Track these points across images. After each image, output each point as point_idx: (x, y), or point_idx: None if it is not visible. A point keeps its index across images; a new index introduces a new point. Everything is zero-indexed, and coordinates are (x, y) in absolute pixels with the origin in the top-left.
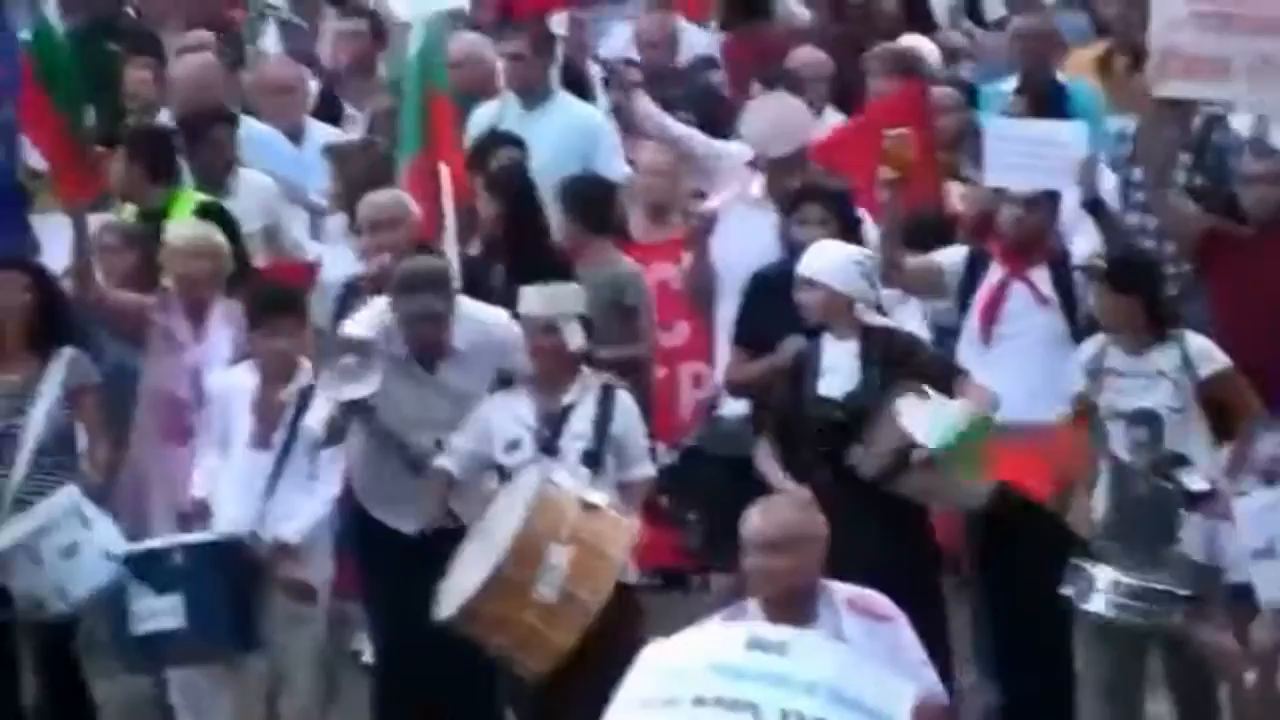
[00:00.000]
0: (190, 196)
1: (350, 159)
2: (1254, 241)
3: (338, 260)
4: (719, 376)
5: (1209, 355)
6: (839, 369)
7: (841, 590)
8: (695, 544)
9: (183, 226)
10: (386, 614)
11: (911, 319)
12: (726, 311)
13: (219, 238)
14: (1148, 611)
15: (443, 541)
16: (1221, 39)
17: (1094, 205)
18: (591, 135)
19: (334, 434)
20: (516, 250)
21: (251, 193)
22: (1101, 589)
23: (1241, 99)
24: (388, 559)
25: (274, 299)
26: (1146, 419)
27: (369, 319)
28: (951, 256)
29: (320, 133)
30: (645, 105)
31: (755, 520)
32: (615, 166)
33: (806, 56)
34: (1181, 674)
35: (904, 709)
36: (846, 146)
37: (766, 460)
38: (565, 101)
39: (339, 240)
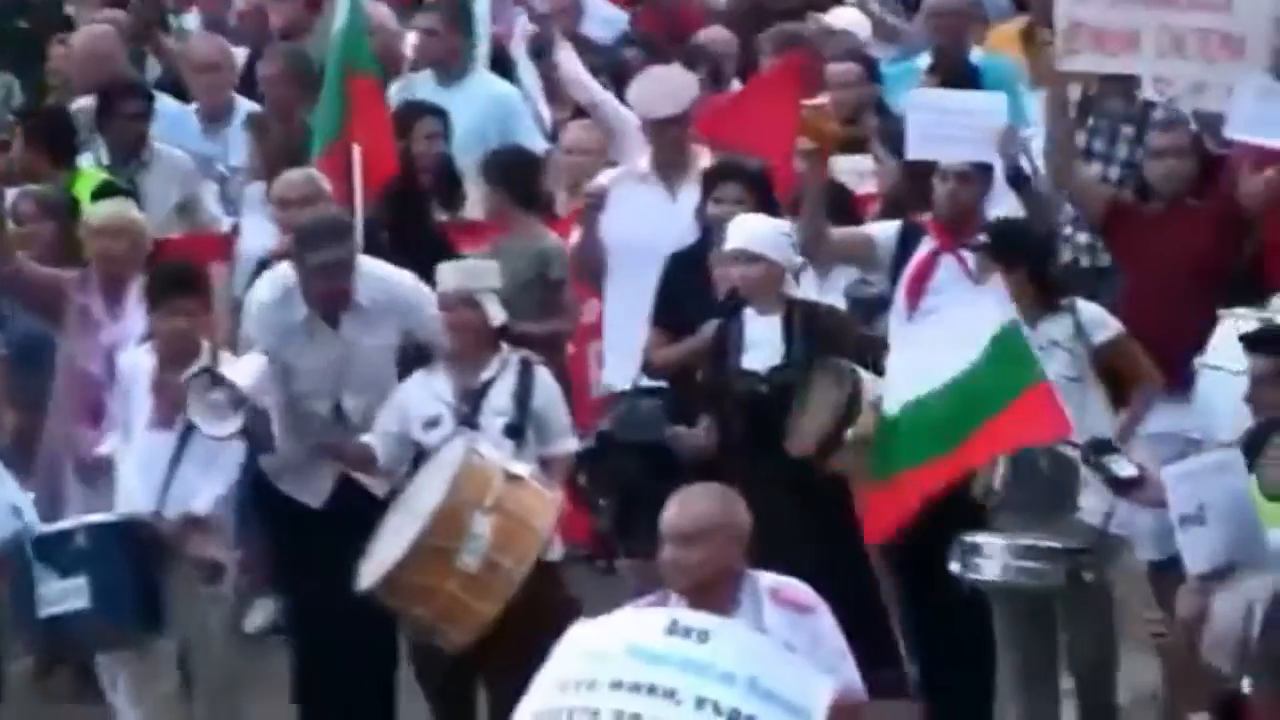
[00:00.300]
0: (93, 176)
1: (269, 130)
2: (1160, 215)
3: (255, 230)
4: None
5: (1102, 323)
6: (763, 343)
7: (765, 580)
8: (604, 529)
9: (101, 205)
10: (296, 588)
11: (835, 293)
12: (613, 289)
13: (137, 216)
14: (1038, 571)
15: (351, 514)
16: (1129, 12)
17: (1016, 177)
18: (509, 111)
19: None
20: (398, 228)
21: (167, 167)
22: (989, 555)
23: (1148, 72)
24: (295, 531)
25: (171, 279)
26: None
27: (248, 369)
28: (885, 230)
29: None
30: (569, 59)
31: (670, 511)
32: (534, 143)
33: (715, 32)
34: (1079, 648)
35: (821, 703)
36: (725, 119)
37: (691, 435)
38: (483, 78)
39: (256, 210)
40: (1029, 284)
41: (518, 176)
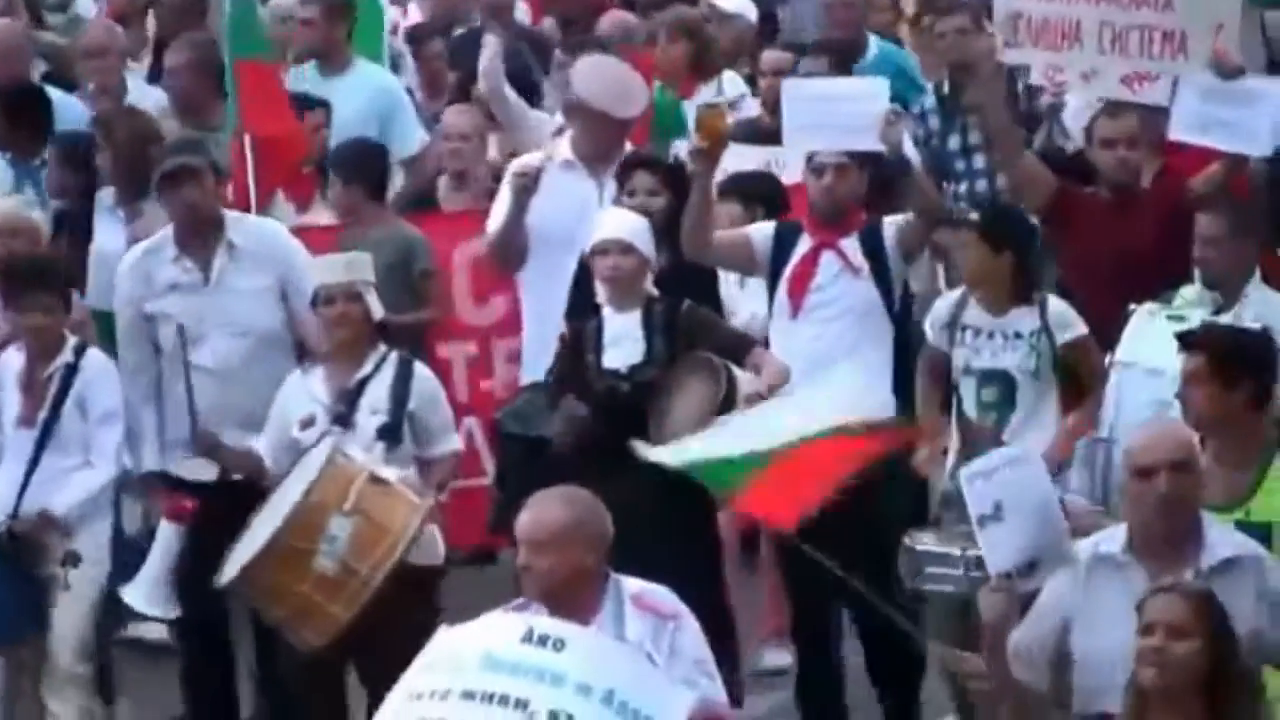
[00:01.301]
0: None
1: (115, 126)
2: (1107, 204)
3: (106, 234)
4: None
5: (1068, 322)
6: (624, 341)
7: (630, 585)
8: (493, 522)
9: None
10: (185, 578)
11: (756, 298)
12: (533, 274)
13: (34, 215)
14: (975, 580)
15: (237, 507)
16: (1070, 6)
17: (900, 164)
18: (392, 103)
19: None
20: None
21: None
22: (948, 565)
23: (1087, 63)
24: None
25: (24, 275)
26: (999, 379)
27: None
28: (762, 230)
29: (142, 94)
30: (492, 60)
31: (523, 517)
32: (413, 135)
33: (614, 19)
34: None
35: (679, 717)
36: None
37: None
38: (366, 69)
39: (106, 214)
40: (1010, 270)
41: (369, 170)
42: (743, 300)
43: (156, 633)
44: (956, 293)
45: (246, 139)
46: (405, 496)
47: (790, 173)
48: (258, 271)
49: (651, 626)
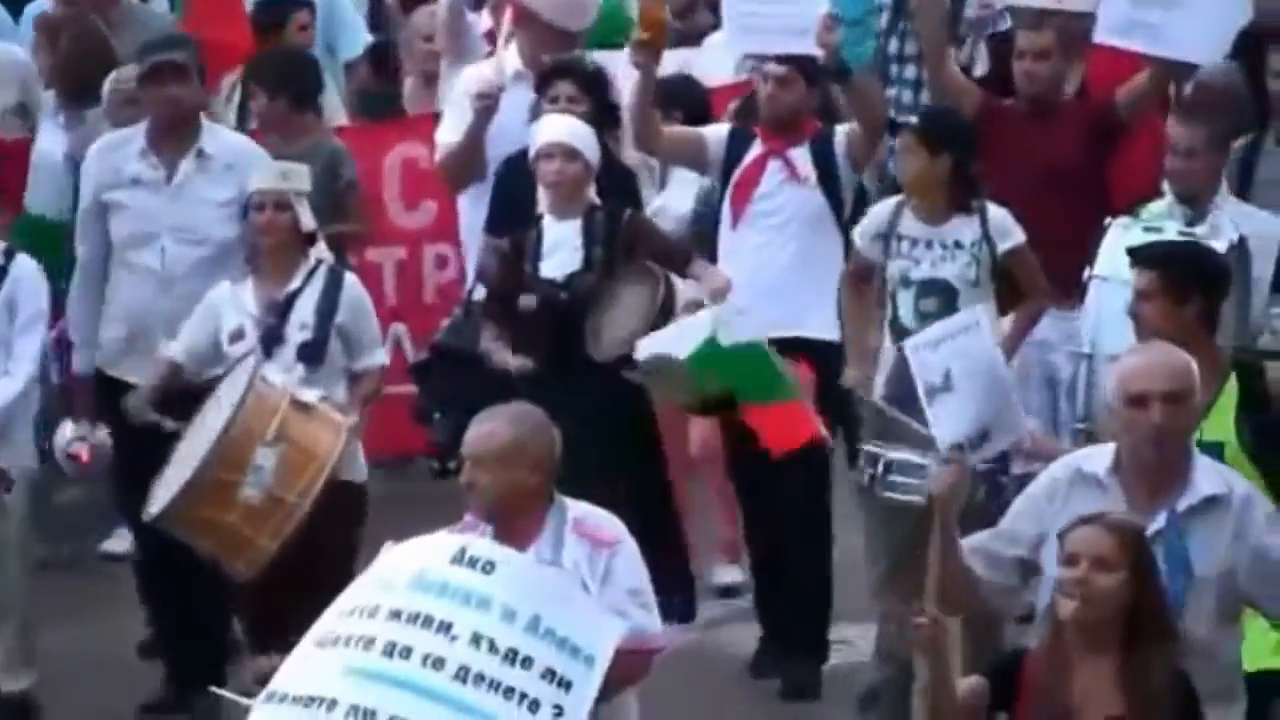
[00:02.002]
0: None
1: (62, 31)
2: (1026, 116)
3: (49, 138)
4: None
5: (1007, 230)
6: (562, 249)
7: (574, 509)
8: (439, 440)
9: None
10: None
11: (683, 199)
12: (479, 191)
13: None
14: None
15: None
16: None
17: (839, 71)
18: (328, 8)
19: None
20: None
21: (3, 67)
22: (902, 472)
23: None
24: (139, 450)
25: None
26: (939, 289)
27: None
28: (717, 131)
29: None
30: None
31: (469, 434)
32: (356, 38)
33: None
34: None
35: (606, 647)
36: None
37: (493, 345)
38: None
39: (49, 119)
40: (949, 174)
41: (293, 81)
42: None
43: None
44: (891, 201)
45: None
46: (329, 419)
47: (709, 75)
48: (222, 183)
49: (588, 552)
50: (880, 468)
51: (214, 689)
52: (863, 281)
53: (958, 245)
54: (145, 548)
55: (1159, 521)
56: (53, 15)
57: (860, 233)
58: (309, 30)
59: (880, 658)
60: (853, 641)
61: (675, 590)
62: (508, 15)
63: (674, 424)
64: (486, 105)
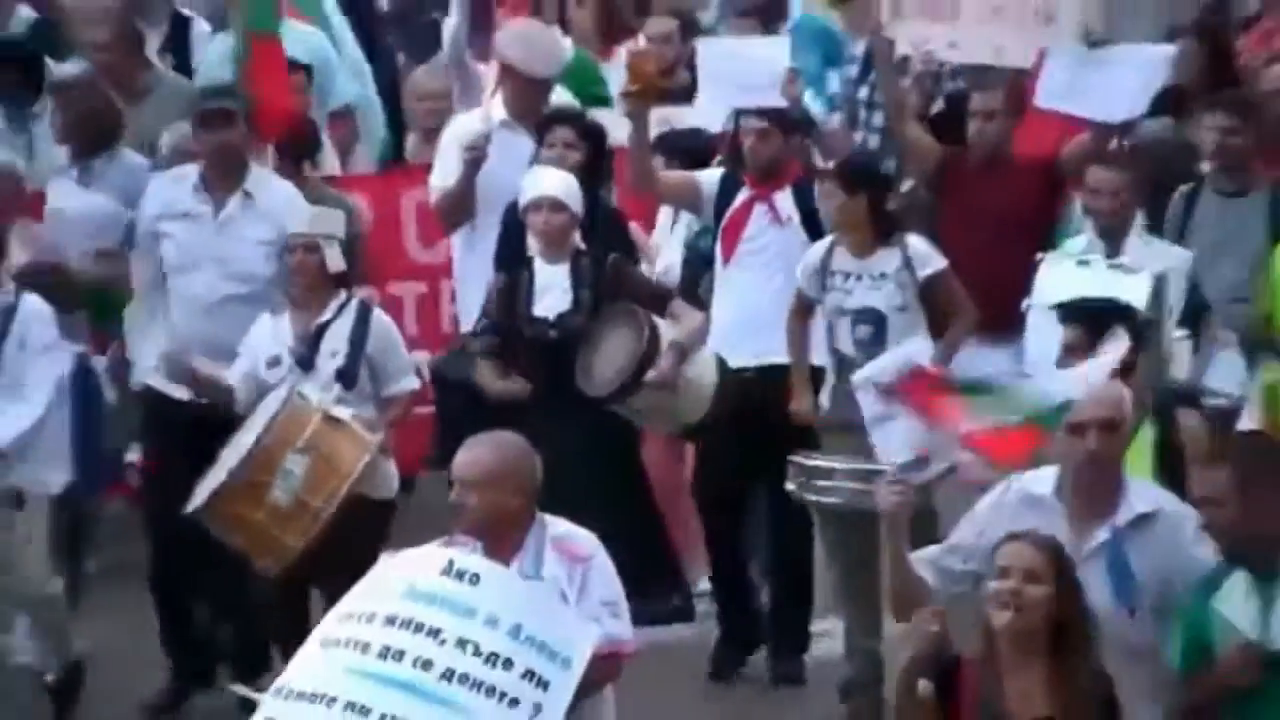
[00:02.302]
0: None
1: (76, 93)
2: (978, 166)
3: (62, 191)
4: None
5: (928, 257)
6: (552, 290)
7: (553, 527)
8: (437, 463)
9: None
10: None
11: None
12: (473, 232)
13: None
14: (862, 492)
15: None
16: None
17: (804, 120)
18: (321, 62)
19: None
20: None
21: None
22: (830, 478)
23: (968, 39)
24: (170, 462)
25: None
26: (871, 317)
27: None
28: (710, 177)
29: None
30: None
31: (457, 457)
32: (348, 91)
33: None
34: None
35: (583, 652)
36: None
37: (486, 377)
38: (292, 29)
39: (62, 173)
40: (867, 212)
41: (294, 141)
42: (665, 251)
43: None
44: (825, 241)
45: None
46: (357, 435)
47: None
48: (263, 224)
49: (566, 567)
50: (804, 476)
51: (232, 685)
52: (805, 316)
53: (883, 275)
54: (157, 559)
55: (1101, 536)
56: (65, 78)
57: (800, 272)
58: (305, 94)
59: (849, 654)
60: (832, 633)
61: (670, 592)
62: (494, 69)
63: (671, 446)
64: (474, 156)
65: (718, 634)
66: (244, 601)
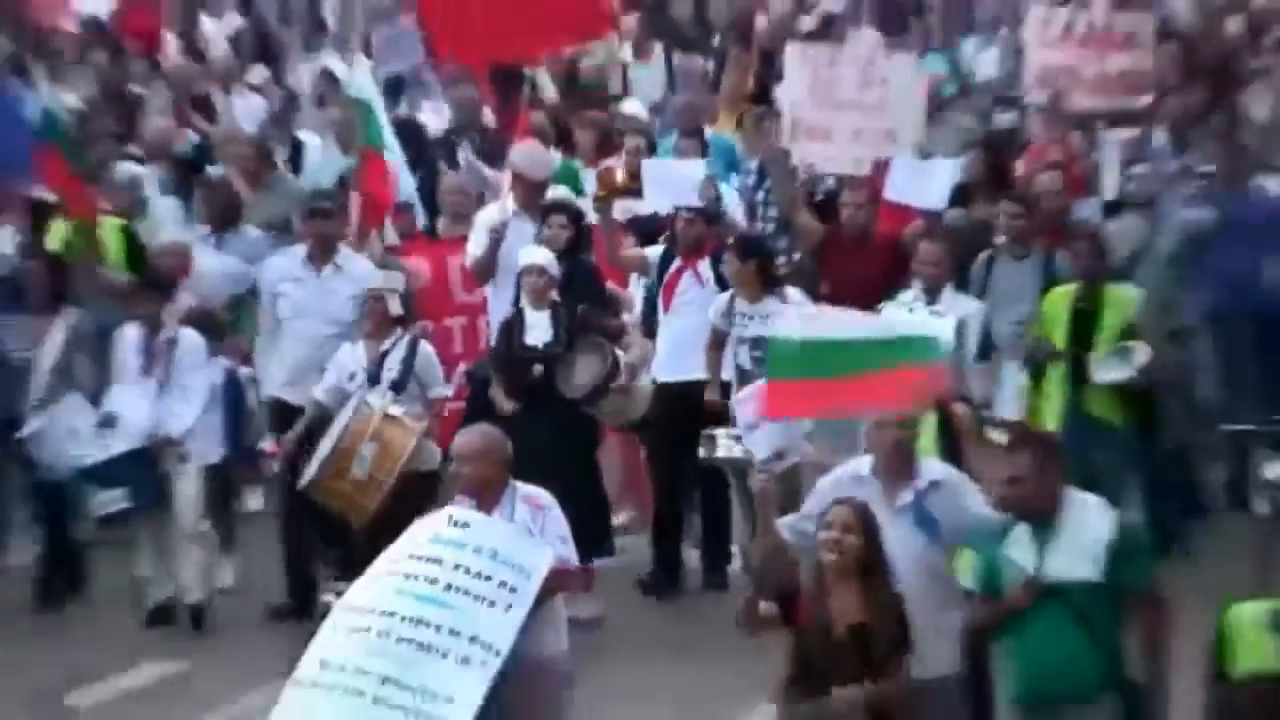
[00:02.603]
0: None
1: (217, 191)
2: (849, 241)
3: (203, 255)
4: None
5: (800, 301)
6: (538, 327)
7: (522, 489)
8: None
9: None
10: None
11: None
12: (494, 290)
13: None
14: (735, 448)
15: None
16: (830, 115)
17: (717, 214)
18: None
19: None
20: None
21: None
22: (719, 443)
23: (838, 155)
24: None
25: (145, 282)
26: (760, 344)
27: None
28: (654, 251)
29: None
30: (468, 158)
31: (455, 441)
32: (407, 190)
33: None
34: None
35: (541, 565)
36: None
37: (495, 391)
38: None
39: (204, 242)
40: (756, 273)
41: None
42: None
43: (255, 504)
44: (729, 292)
45: (355, 197)
46: (407, 426)
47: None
48: (349, 285)
49: (531, 513)
50: (702, 445)
51: (324, 597)
52: (718, 345)
53: (768, 315)
54: (284, 512)
55: (907, 498)
56: (209, 178)
57: (712, 313)
58: None
59: (745, 569)
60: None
61: (603, 537)
62: (508, 175)
63: (629, 435)
64: (495, 236)
65: (651, 565)
66: (346, 539)
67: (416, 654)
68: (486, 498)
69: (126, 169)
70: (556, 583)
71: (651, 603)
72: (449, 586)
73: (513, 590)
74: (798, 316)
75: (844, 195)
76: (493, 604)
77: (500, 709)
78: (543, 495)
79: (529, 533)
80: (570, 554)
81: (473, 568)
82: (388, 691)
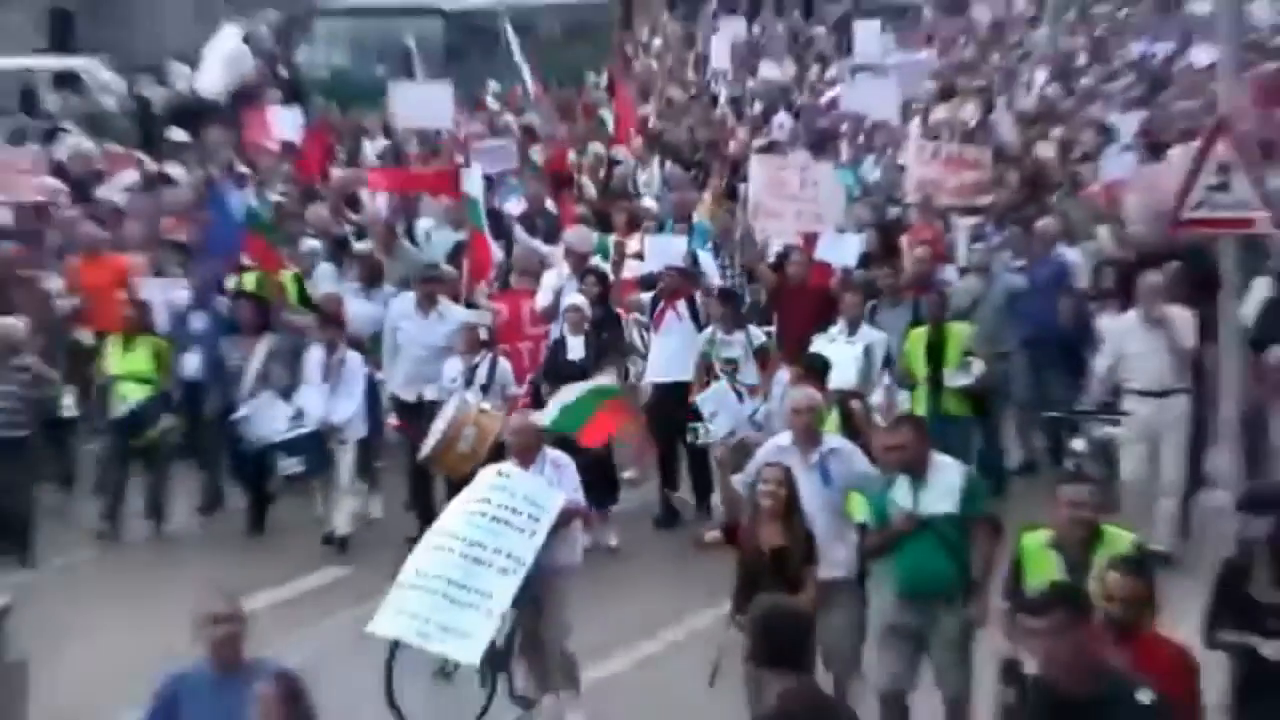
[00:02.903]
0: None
1: (364, 258)
2: (794, 289)
3: (353, 305)
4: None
5: (756, 335)
6: (576, 349)
7: (551, 454)
8: None
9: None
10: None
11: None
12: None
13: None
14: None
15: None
16: (780, 202)
17: (694, 272)
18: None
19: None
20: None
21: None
22: (702, 433)
23: (783, 227)
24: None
25: (323, 319)
26: (731, 361)
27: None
28: (648, 295)
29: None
30: (522, 236)
31: (507, 424)
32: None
33: (584, 210)
34: None
35: (555, 505)
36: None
37: (547, 392)
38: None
39: (353, 291)
40: (731, 310)
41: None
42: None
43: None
44: (713, 326)
45: (465, 263)
46: (495, 416)
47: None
48: (443, 326)
49: (555, 470)
50: (689, 430)
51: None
52: (705, 367)
53: (738, 342)
54: (411, 470)
55: (815, 459)
56: (358, 250)
57: (700, 341)
58: None
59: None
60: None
61: (612, 490)
62: (561, 249)
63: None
64: (556, 295)
65: (660, 507)
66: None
67: (472, 565)
68: (526, 459)
69: (305, 242)
70: (568, 517)
71: (661, 534)
72: (494, 519)
73: (535, 521)
74: (555, 402)
75: (790, 256)
76: (521, 530)
77: (531, 599)
78: (563, 458)
79: (550, 484)
80: (579, 499)
81: (510, 505)
82: (454, 591)
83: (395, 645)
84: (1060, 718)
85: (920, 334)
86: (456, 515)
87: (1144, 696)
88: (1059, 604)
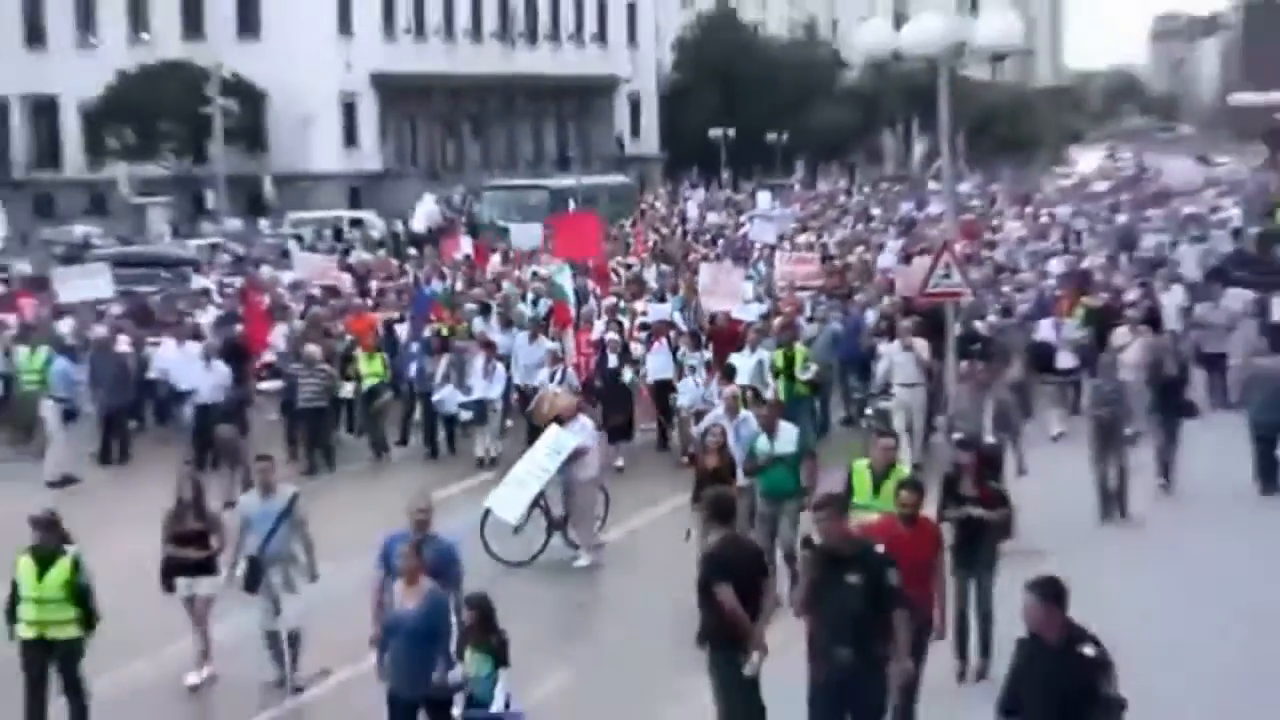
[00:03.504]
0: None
1: (505, 306)
2: (725, 334)
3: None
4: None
5: (705, 354)
6: (612, 361)
7: (582, 418)
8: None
9: None
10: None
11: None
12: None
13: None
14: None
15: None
16: (732, 280)
17: (673, 322)
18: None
19: None
20: None
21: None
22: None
23: (718, 301)
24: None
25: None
26: (694, 368)
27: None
28: (644, 334)
29: None
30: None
31: (554, 400)
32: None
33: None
34: None
35: (570, 446)
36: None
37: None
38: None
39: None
40: (691, 341)
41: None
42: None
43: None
44: (682, 349)
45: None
46: (562, 396)
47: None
48: (539, 350)
49: (579, 430)
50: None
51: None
52: (678, 370)
53: (697, 358)
54: (529, 425)
55: (736, 422)
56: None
57: (675, 357)
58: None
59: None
60: None
61: (629, 433)
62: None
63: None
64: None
65: (657, 442)
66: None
67: (528, 475)
68: (566, 421)
69: (466, 307)
70: (579, 453)
71: (655, 456)
72: (546, 453)
73: (559, 453)
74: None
75: (717, 317)
76: (549, 454)
77: (568, 494)
78: (589, 423)
79: (574, 434)
80: (589, 444)
81: (548, 450)
82: (514, 484)
83: (487, 511)
84: (831, 565)
85: (780, 353)
86: (534, 449)
87: (879, 549)
88: (831, 503)
